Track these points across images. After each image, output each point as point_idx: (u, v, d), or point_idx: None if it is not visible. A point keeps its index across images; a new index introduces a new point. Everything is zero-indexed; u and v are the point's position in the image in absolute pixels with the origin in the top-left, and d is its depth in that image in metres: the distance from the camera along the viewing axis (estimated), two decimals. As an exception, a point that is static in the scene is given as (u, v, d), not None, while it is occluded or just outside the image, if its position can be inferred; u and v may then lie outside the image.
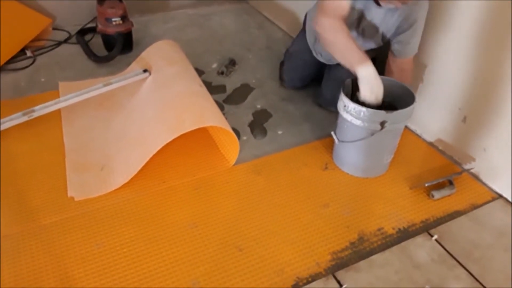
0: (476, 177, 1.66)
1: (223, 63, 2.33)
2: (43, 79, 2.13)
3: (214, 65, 2.34)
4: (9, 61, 2.19)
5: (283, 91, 2.15)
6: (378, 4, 1.56)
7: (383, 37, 1.69)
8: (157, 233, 1.36)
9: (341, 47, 1.52)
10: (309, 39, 1.97)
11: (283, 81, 2.17)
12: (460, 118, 1.67)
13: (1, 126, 1.64)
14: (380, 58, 1.83)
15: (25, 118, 1.68)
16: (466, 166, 1.69)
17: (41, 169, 1.58)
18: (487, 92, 1.54)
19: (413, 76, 1.77)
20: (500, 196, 1.58)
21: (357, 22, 1.67)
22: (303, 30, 2.02)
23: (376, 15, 1.61)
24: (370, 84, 1.47)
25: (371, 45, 1.75)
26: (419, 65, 1.76)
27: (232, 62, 2.34)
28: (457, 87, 1.65)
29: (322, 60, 1.95)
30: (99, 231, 1.36)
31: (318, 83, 2.05)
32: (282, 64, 2.19)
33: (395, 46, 1.69)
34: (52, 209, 1.42)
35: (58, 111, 1.81)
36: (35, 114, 1.69)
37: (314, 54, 1.96)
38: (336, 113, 1.59)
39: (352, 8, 1.57)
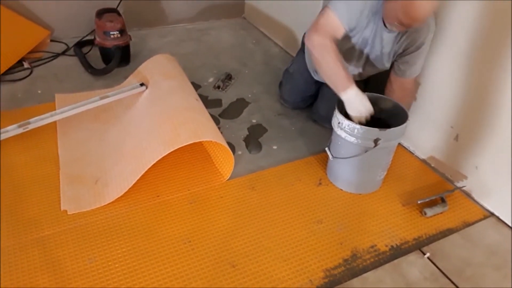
0: (468, 195, 1.67)
1: (219, 78, 2.35)
2: (39, 91, 2.13)
3: (211, 79, 2.36)
4: (6, 72, 2.20)
5: (279, 106, 2.17)
6: (387, 27, 1.55)
7: (390, 59, 1.69)
8: (150, 248, 1.36)
9: (327, 69, 1.54)
10: (307, 59, 1.97)
11: (285, 101, 2.15)
12: (452, 136, 1.69)
13: (-3, 138, 1.64)
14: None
15: (21, 130, 1.68)
16: (459, 184, 1.70)
17: (35, 182, 1.58)
18: (479, 111, 1.56)
19: (414, 96, 1.78)
20: (492, 214, 1.59)
21: (363, 55, 1.69)
22: (302, 50, 2.02)
23: (387, 40, 1.61)
24: (354, 106, 1.51)
25: (377, 70, 1.77)
26: (413, 83, 1.79)
27: (229, 77, 2.36)
28: (449, 105, 1.67)
29: (317, 78, 1.97)
30: (91, 246, 1.35)
31: (313, 99, 2.07)
32: (281, 84, 2.18)
33: (399, 66, 1.68)
34: (45, 222, 1.42)
35: (54, 123, 1.81)
36: (31, 126, 1.70)
37: (312, 73, 1.98)
38: (330, 129, 1.61)
39: (358, 38, 1.61)
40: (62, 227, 1.41)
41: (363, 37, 1.62)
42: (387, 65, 1.72)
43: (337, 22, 1.51)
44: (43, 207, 1.48)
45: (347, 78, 1.51)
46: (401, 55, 1.66)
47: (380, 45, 1.62)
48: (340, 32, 1.53)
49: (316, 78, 1.97)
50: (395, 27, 1.50)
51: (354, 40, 1.64)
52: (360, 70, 1.77)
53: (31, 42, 2.37)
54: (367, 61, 1.72)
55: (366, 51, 1.67)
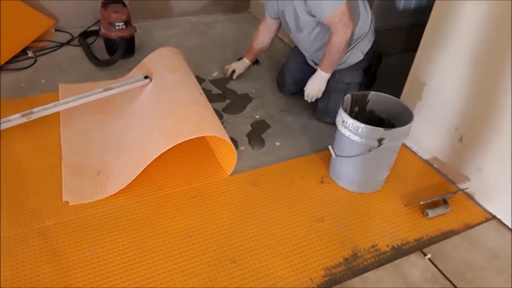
0: (470, 197, 1.66)
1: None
2: (43, 80, 2.13)
3: (215, 73, 2.35)
4: (10, 61, 2.19)
5: (282, 102, 2.16)
6: None
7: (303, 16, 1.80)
8: (151, 242, 1.36)
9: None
10: None
11: (279, 85, 2.24)
12: (456, 137, 1.68)
13: (-1, 126, 1.64)
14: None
15: (24, 120, 1.68)
16: (461, 186, 1.70)
17: (37, 172, 1.58)
18: (484, 113, 1.55)
19: (343, 41, 1.73)
20: (494, 217, 1.59)
21: (285, 19, 1.91)
22: None
23: (291, 9, 1.82)
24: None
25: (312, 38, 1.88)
26: (418, 82, 1.78)
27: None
28: (455, 106, 1.66)
29: (311, 64, 2.02)
30: (92, 238, 1.35)
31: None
32: (280, 71, 2.26)
33: (315, 12, 1.72)
34: (46, 213, 1.42)
35: (57, 113, 1.81)
36: (34, 116, 1.69)
37: (307, 58, 2.04)
38: (332, 125, 1.60)
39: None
40: (63, 218, 1.41)
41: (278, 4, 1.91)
42: (306, 29, 1.84)
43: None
44: (44, 198, 1.47)
45: (248, 50, 2.23)
46: (307, 10, 1.75)
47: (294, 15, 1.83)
48: (268, 11, 2.01)
49: (309, 62, 2.04)
50: None
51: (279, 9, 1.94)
52: (301, 40, 1.95)
53: (35, 31, 2.36)
54: (295, 26, 1.88)
55: (286, 14, 1.89)
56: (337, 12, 1.67)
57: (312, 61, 2.00)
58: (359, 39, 1.85)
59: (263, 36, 2.13)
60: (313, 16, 1.75)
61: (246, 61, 2.23)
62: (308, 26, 1.82)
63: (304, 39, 1.91)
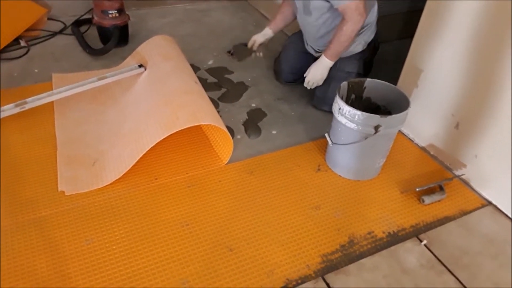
0: (466, 183, 1.67)
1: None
2: (36, 70, 2.10)
3: (210, 62, 2.33)
4: (3, 50, 2.17)
5: (279, 91, 2.15)
6: None
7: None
8: (148, 231, 1.36)
9: None
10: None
11: (276, 73, 2.22)
12: (453, 124, 1.68)
13: (-7, 117, 1.62)
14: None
15: (17, 110, 1.66)
16: (457, 172, 1.70)
17: (32, 162, 1.57)
18: (481, 100, 1.55)
19: (354, 30, 1.71)
20: (490, 203, 1.59)
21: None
22: None
23: None
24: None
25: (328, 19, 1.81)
26: (414, 69, 1.77)
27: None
28: (451, 93, 1.66)
29: (311, 51, 1.99)
30: (89, 227, 1.35)
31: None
32: (276, 59, 2.24)
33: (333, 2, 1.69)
34: (42, 203, 1.41)
35: (51, 103, 1.79)
36: (28, 106, 1.68)
37: (305, 46, 2.02)
38: (329, 113, 1.59)
39: None
40: (59, 208, 1.40)
41: None
42: (316, 13, 1.79)
43: None
44: (40, 188, 1.47)
45: (272, 19, 2.03)
46: None
47: None
48: None
49: (309, 50, 2.01)
50: None
51: None
52: (306, 23, 1.89)
53: (28, 20, 2.33)
54: (303, 7, 1.82)
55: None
56: (355, 0, 1.64)
57: (312, 48, 1.98)
58: (364, 29, 1.83)
59: (288, 3, 1.97)
60: (327, 0, 1.70)
61: (268, 30, 2.01)
62: (318, 10, 1.77)
63: (311, 23, 1.86)
